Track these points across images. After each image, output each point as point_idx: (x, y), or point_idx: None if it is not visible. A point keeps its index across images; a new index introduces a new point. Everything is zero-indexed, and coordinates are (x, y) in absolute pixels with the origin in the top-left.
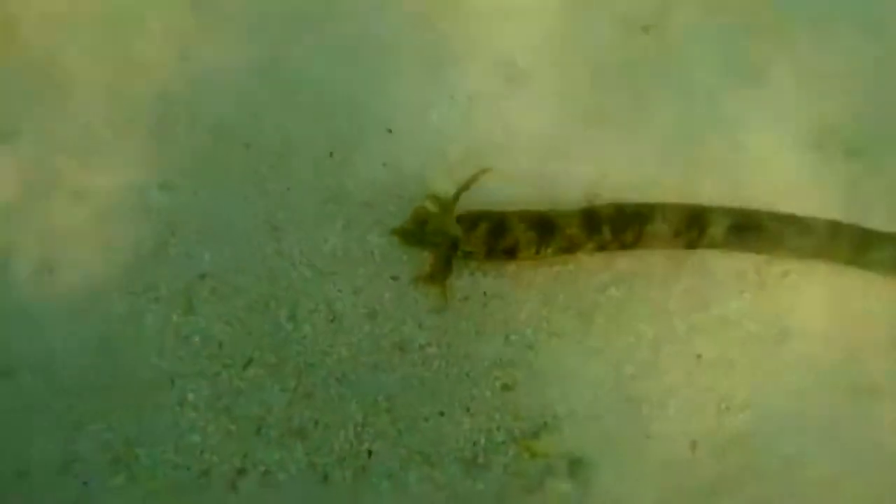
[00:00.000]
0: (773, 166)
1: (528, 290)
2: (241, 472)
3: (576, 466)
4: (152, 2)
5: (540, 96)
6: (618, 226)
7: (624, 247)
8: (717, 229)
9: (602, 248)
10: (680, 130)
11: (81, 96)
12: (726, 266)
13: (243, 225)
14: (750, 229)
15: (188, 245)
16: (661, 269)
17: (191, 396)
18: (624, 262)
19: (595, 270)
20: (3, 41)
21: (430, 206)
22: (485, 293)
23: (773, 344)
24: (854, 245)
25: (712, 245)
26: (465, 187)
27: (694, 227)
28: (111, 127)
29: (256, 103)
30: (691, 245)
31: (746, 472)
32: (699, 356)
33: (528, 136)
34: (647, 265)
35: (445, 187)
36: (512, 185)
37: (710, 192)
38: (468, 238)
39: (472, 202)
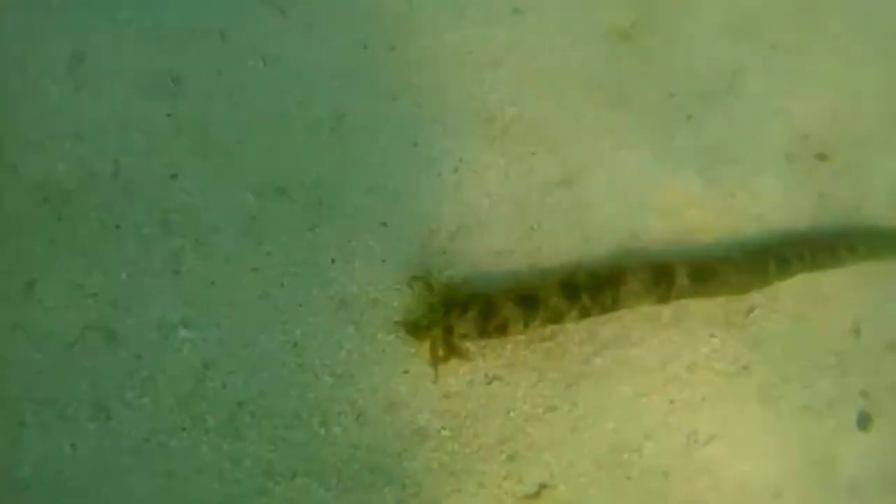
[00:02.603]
0: (747, 172)
1: (522, 369)
2: None
3: None
4: (135, 121)
5: (520, 157)
6: (595, 291)
7: (604, 310)
8: (682, 280)
9: (585, 313)
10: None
11: (84, 228)
12: (698, 311)
13: (266, 347)
14: (707, 275)
15: (223, 376)
16: (639, 330)
17: None
18: (606, 329)
19: (581, 342)
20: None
21: (416, 288)
22: (486, 375)
23: (736, 378)
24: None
25: (680, 296)
26: (450, 298)
27: (662, 281)
28: (123, 263)
29: (256, 222)
30: (662, 299)
31: (710, 492)
32: (672, 401)
33: (513, 201)
34: (627, 328)
35: (439, 266)
36: (500, 258)
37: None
38: (460, 323)
39: (466, 278)
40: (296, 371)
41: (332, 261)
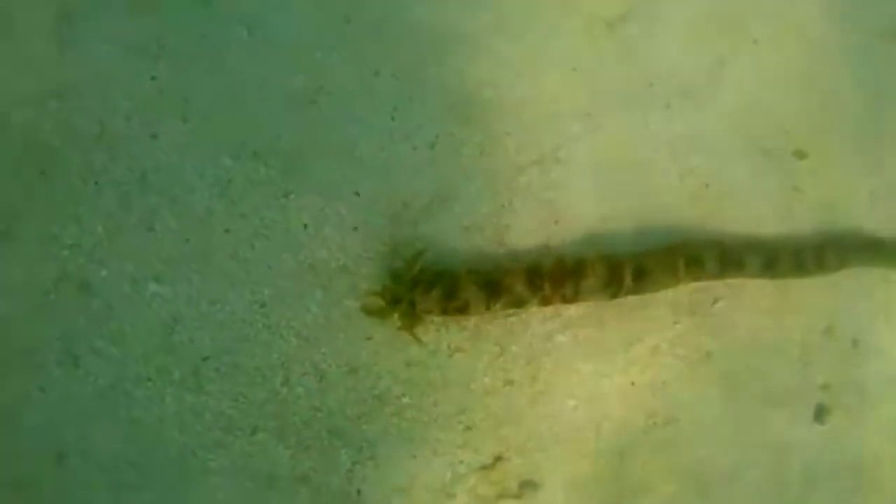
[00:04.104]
0: (724, 168)
1: (485, 342)
2: None
3: (524, 487)
4: (119, 83)
5: (495, 136)
6: (557, 282)
7: (565, 300)
8: (627, 278)
9: (546, 301)
10: (631, 151)
11: (64, 183)
12: (663, 298)
13: (234, 306)
14: (646, 272)
15: (190, 332)
16: (606, 311)
17: (212, 464)
18: (571, 308)
19: (545, 318)
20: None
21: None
22: (448, 346)
23: (698, 365)
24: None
25: (628, 293)
26: (411, 268)
27: (614, 279)
28: (100, 218)
29: (232, 185)
30: (615, 295)
31: (666, 474)
32: (633, 383)
33: (486, 178)
34: (594, 308)
35: (411, 239)
36: (469, 233)
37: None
38: (424, 300)
39: (434, 251)
40: (262, 331)
41: (305, 226)
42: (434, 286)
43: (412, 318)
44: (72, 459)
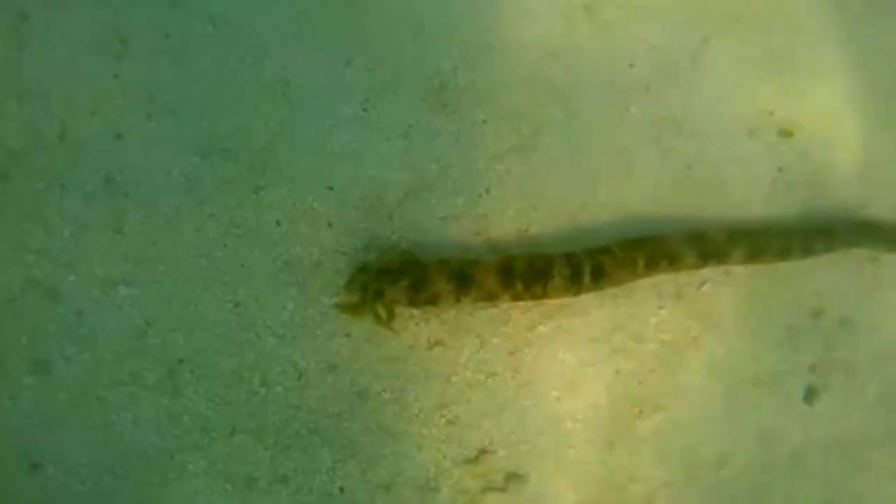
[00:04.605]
0: (709, 149)
1: (466, 335)
2: None
3: (510, 480)
4: (81, 81)
5: (471, 124)
6: (529, 279)
7: (535, 297)
8: (586, 273)
9: (517, 297)
10: (611, 135)
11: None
12: (646, 284)
13: (207, 306)
14: (604, 271)
15: (163, 334)
16: (586, 300)
17: (190, 467)
18: None
19: (526, 308)
20: None
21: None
22: (428, 340)
23: (685, 350)
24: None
25: (588, 290)
26: (385, 266)
27: (577, 277)
28: (66, 221)
29: (200, 184)
30: (578, 292)
31: (654, 463)
32: (618, 371)
33: (462, 167)
34: (573, 297)
35: (387, 232)
36: (446, 224)
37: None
38: (391, 291)
39: (411, 243)
40: (237, 330)
41: (277, 223)
42: (402, 277)
43: (383, 309)
44: (47, 468)
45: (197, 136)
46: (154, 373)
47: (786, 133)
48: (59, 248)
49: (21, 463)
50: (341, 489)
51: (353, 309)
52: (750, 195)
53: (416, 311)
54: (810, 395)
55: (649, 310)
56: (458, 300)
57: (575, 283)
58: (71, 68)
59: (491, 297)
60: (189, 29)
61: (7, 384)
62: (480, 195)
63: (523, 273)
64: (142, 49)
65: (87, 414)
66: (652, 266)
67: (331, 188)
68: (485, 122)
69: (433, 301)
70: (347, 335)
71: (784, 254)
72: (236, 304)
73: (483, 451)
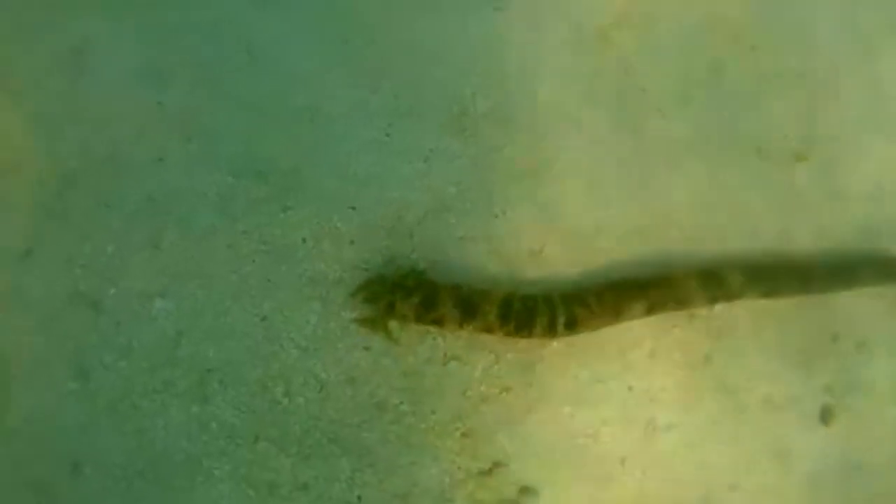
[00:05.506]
0: (716, 167)
1: (480, 350)
2: None
3: (522, 493)
4: (128, 108)
5: (489, 148)
6: (522, 320)
7: (523, 337)
8: (560, 322)
9: (510, 334)
10: (625, 159)
11: (79, 204)
12: None
13: (235, 319)
14: (581, 317)
15: (194, 345)
16: None
17: (216, 472)
18: None
19: None
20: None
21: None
22: (444, 355)
23: (697, 368)
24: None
25: (563, 335)
26: (400, 280)
27: (554, 323)
28: (110, 237)
29: (233, 203)
30: (553, 336)
31: (666, 481)
32: (630, 388)
33: (480, 189)
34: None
35: (406, 251)
36: (463, 243)
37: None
38: (402, 305)
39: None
40: (263, 343)
41: (303, 241)
42: (414, 293)
43: (393, 320)
44: (85, 469)
45: (232, 159)
46: (185, 381)
47: (800, 157)
48: (103, 262)
49: (65, 462)
50: (359, 498)
51: (370, 323)
52: (764, 219)
53: (432, 328)
54: (827, 415)
55: (664, 328)
56: (461, 326)
57: (552, 330)
58: (119, 96)
59: (489, 331)
60: (226, 59)
61: (53, 389)
62: (496, 216)
63: (517, 313)
64: (183, 78)
65: (122, 419)
66: (658, 309)
67: (354, 208)
68: (503, 146)
69: (439, 322)
70: (367, 349)
71: (802, 292)
72: (263, 318)
73: (497, 464)
